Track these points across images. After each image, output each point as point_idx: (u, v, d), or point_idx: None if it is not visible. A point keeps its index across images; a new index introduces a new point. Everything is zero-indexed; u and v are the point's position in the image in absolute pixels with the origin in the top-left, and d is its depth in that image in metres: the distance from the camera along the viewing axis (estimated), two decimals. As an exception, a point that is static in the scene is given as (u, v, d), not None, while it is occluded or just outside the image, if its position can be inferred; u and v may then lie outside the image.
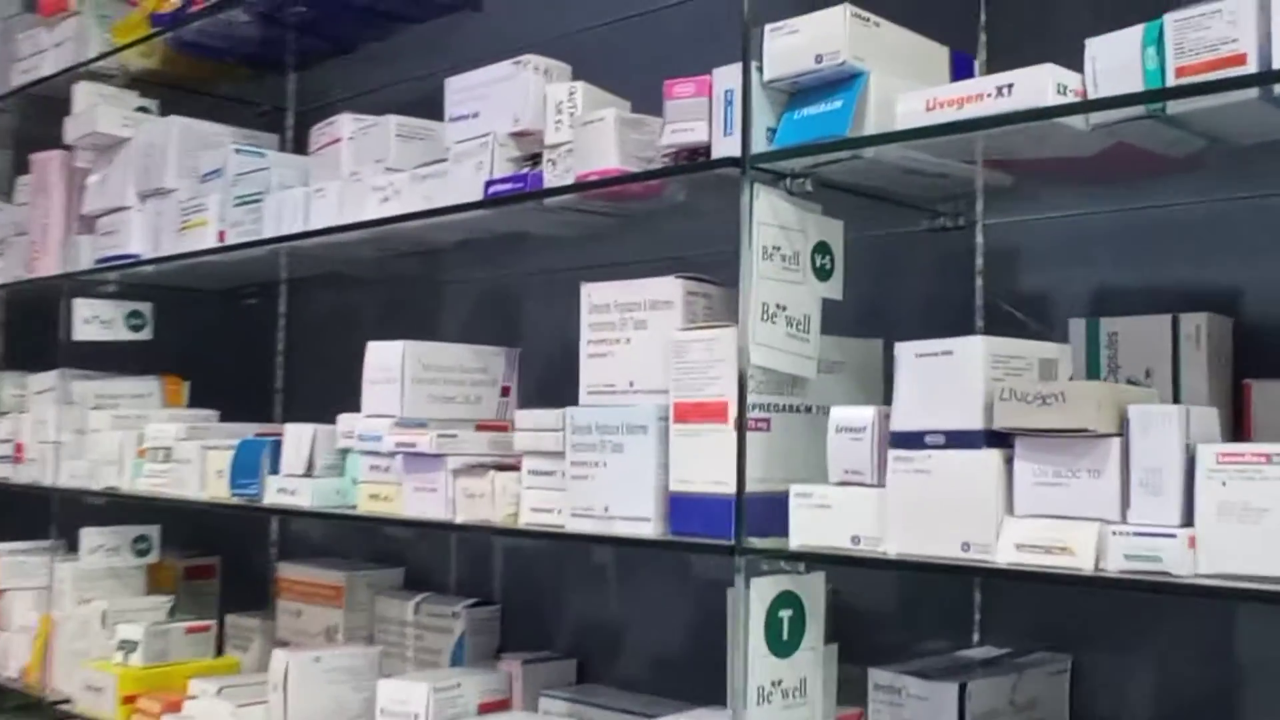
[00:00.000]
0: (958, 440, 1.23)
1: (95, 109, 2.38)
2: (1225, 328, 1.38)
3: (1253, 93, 1.10)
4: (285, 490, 1.95)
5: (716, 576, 1.87)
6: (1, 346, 2.89)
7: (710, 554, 1.40)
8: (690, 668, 1.94)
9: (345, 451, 1.93)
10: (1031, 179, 1.45)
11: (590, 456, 1.53)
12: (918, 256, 1.70)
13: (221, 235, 2.16)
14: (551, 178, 1.62)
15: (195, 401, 2.53)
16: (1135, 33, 1.16)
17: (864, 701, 1.46)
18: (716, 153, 1.42)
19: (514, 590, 2.22)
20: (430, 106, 2.02)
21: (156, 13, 2.32)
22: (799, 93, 1.39)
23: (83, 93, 2.46)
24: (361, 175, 1.92)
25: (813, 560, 1.34)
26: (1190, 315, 1.37)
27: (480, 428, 1.84)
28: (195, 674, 2.20)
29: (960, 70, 1.48)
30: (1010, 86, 1.20)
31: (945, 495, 1.23)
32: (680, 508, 1.45)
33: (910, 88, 1.34)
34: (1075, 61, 1.22)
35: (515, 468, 1.65)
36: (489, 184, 1.68)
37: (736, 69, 1.41)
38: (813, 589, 1.42)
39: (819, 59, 1.34)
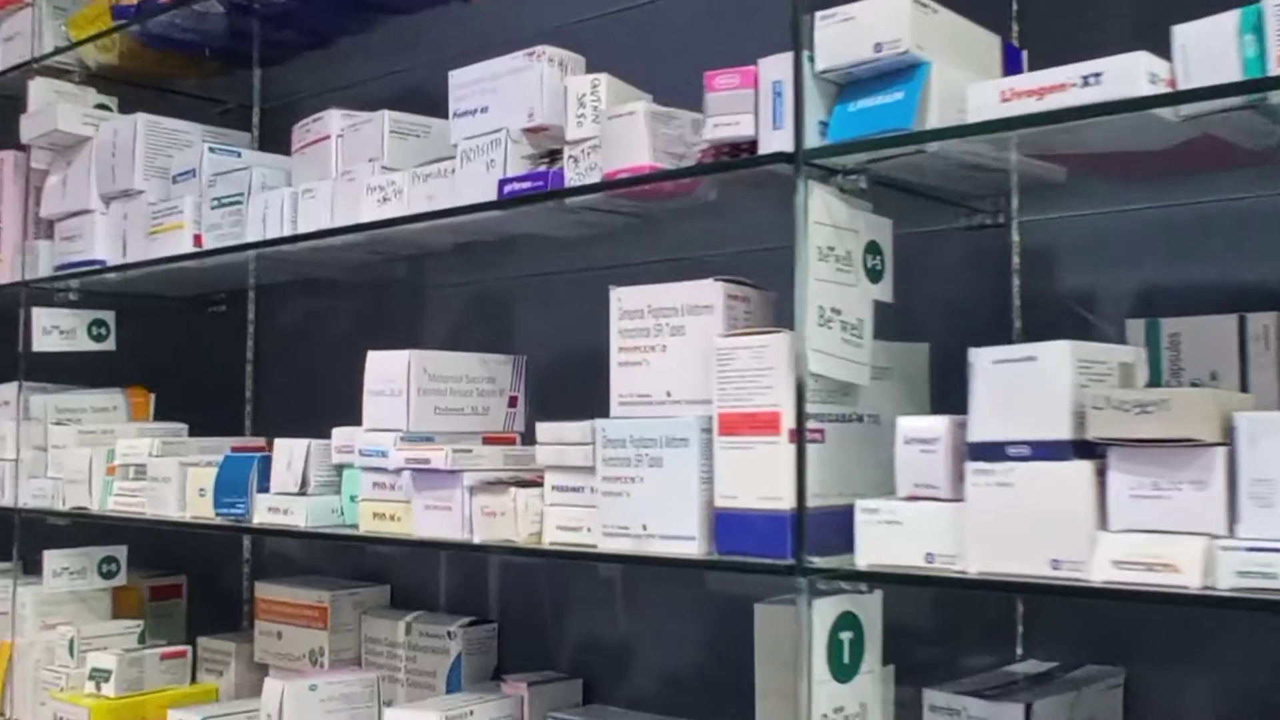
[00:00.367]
0: (1043, 451, 1.15)
1: (55, 106, 2.25)
2: (1296, 328, 1.33)
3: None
4: (276, 509, 1.84)
5: (727, 590, 1.80)
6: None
7: (767, 575, 1.32)
8: (701, 686, 1.86)
9: (341, 467, 1.82)
10: (1089, 174, 1.38)
11: (625, 471, 1.44)
12: (948, 255, 1.63)
13: (198, 239, 2.04)
14: (573, 176, 1.52)
15: (160, 415, 2.40)
16: (1230, 18, 1.10)
17: (920, 724, 1.39)
18: (764, 148, 1.34)
19: (509, 607, 2.13)
20: (407, 102, 1.92)
21: (119, 4, 2.19)
22: (850, 84, 1.31)
23: (38, 89, 2.32)
24: (355, 174, 1.81)
25: (884, 580, 1.26)
26: (1259, 315, 1.31)
27: (487, 440, 1.75)
28: (173, 703, 2.10)
29: (1011, 61, 1.41)
30: (1098, 75, 1.13)
31: (1031, 510, 1.15)
32: (727, 525, 1.36)
33: (968, 79, 1.27)
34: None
35: (537, 484, 1.56)
36: (503, 183, 1.59)
37: (783, 59, 1.33)
38: (871, 609, 1.34)
39: (878, 47, 1.26)
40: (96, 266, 2.21)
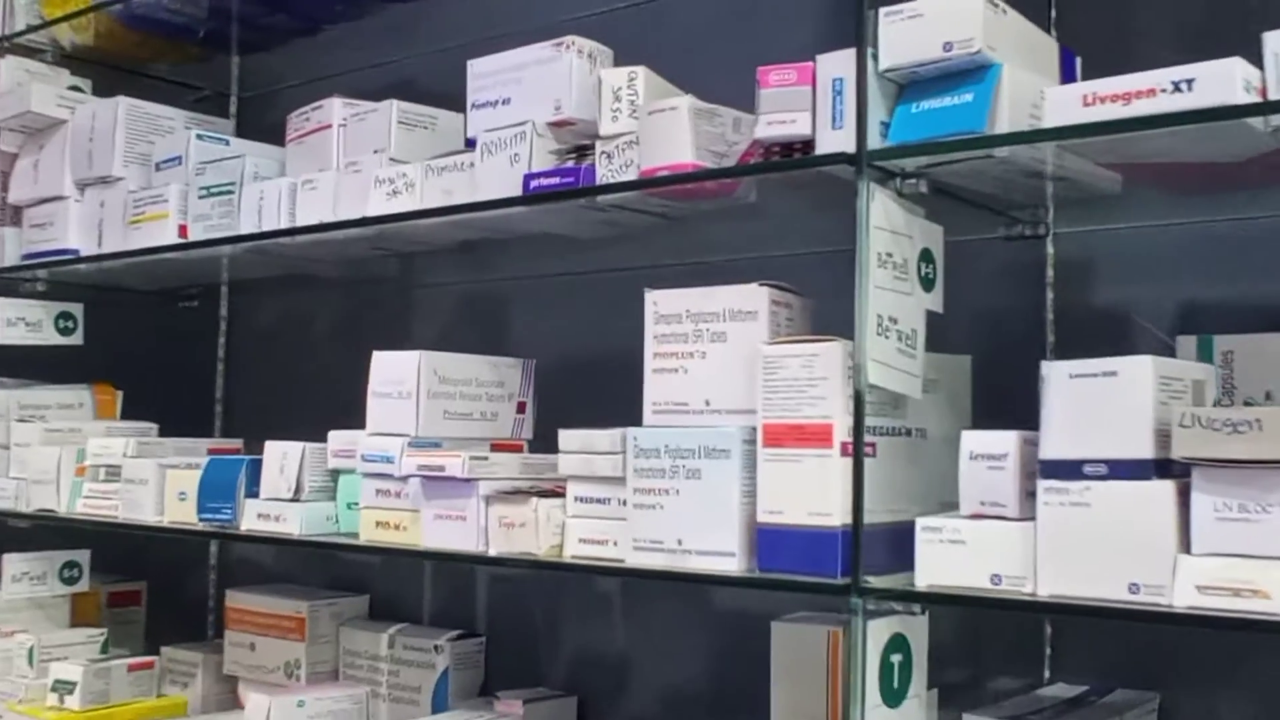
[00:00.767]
0: (1122, 470, 1.11)
1: (28, 86, 2.13)
2: (1358, 347, 1.30)
3: None
4: (267, 515, 1.75)
5: (730, 606, 1.75)
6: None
7: (820, 594, 1.26)
8: (704, 704, 1.80)
9: (338, 472, 1.73)
10: (1149, 185, 1.34)
11: (659, 483, 1.37)
12: (982, 265, 1.59)
13: (183, 229, 1.94)
14: (605, 172, 1.46)
15: (126, 413, 2.29)
16: (1328, 27, 1.06)
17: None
18: (821, 148, 1.28)
19: (497, 619, 2.05)
20: (395, 93, 1.84)
21: (101, -18, 2.09)
22: (913, 84, 1.26)
23: (8, 69, 2.21)
24: (361, 166, 1.73)
25: (947, 602, 1.20)
26: (1316, 334, 1.28)
27: (496, 447, 1.67)
28: (141, 717, 2.00)
29: (1068, 66, 1.37)
30: (1190, 81, 1.08)
31: (1108, 531, 1.11)
32: (770, 541, 1.30)
33: (1036, 82, 1.23)
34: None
35: (558, 494, 1.49)
36: (529, 178, 1.51)
37: (843, 56, 1.27)
38: (919, 631, 1.29)
39: (948, 46, 1.21)
40: (69, 256, 2.10)
